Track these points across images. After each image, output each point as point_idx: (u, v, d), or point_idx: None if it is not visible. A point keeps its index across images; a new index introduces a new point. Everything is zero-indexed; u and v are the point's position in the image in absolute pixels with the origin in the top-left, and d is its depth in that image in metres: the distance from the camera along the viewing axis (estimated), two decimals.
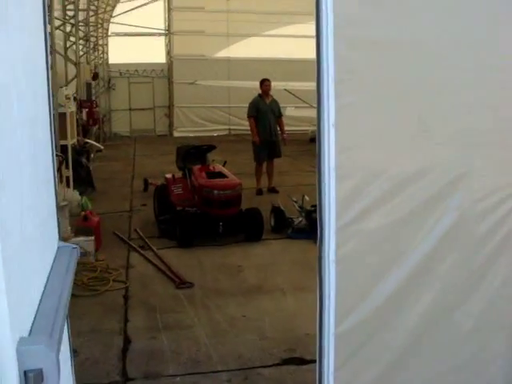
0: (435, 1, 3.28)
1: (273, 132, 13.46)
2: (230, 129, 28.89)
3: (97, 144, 18.48)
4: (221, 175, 9.63)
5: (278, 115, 13.77)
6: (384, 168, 3.26)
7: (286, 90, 23.58)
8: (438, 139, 3.29)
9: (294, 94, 23.46)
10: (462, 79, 3.27)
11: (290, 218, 9.85)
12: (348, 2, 3.11)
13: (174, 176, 10.26)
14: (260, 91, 13.73)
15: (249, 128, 13.67)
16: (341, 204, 3.19)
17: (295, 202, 10.82)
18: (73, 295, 2.14)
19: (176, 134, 28.66)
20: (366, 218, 3.23)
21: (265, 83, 13.75)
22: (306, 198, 10.77)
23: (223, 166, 10.45)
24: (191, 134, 27.09)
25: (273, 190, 13.37)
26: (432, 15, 3.18)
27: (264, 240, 9.23)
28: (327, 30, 2.98)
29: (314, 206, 10.44)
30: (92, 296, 6.92)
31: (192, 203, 9.51)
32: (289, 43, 29.01)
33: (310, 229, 9.50)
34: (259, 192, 13.39)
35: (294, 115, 23.79)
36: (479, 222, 3.35)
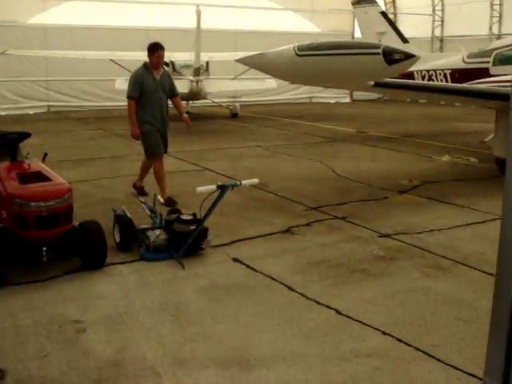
0: None
1: (165, 119, 9.59)
2: (49, 105, 25.54)
3: None
4: (40, 177, 6.53)
5: (172, 94, 9.80)
6: None
7: (111, 60, 21.08)
8: None
9: (120, 65, 20.73)
10: None
11: (141, 230, 7.20)
12: None
13: None
14: (148, 60, 9.47)
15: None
16: None
17: (143, 203, 8.17)
18: None
19: None
20: None
21: (158, 52, 9.40)
22: (160, 198, 8.24)
23: (43, 161, 7.45)
24: (3, 113, 23.80)
25: (170, 203, 8.87)
26: None
27: (108, 266, 6.51)
28: None
29: (174, 210, 7.80)
30: None
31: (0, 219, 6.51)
32: (116, 10, 26.09)
33: (171, 245, 6.93)
34: (141, 191, 9.92)
35: (123, 88, 21.10)
36: None
